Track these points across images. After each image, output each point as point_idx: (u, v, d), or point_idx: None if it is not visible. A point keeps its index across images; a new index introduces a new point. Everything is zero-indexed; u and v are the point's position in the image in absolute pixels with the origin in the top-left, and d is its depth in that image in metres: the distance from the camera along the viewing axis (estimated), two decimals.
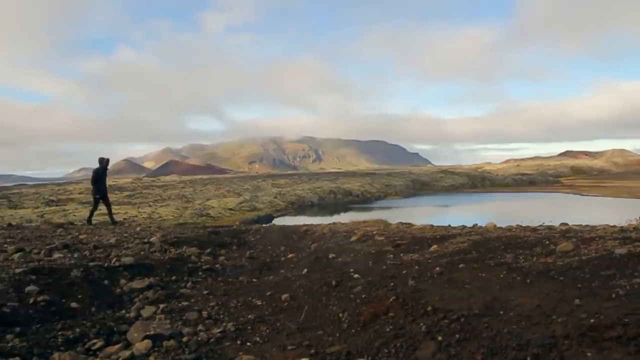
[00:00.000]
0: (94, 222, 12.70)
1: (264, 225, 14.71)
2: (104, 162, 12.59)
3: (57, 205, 31.55)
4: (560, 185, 58.45)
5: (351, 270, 4.92)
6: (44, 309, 3.85)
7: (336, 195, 46.65)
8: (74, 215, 25.31)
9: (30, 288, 4.15)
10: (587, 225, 6.99)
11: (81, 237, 8.32)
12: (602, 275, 3.44)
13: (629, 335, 2.28)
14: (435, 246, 5.85)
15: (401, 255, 5.68)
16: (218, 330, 3.55)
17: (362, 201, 45.38)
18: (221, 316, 3.99)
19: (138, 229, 10.66)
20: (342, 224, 11.33)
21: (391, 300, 3.47)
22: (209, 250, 7.40)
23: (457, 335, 2.68)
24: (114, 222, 12.65)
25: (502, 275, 3.89)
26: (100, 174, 12.41)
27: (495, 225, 8.01)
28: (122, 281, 5.02)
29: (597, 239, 4.85)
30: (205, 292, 4.88)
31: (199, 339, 3.39)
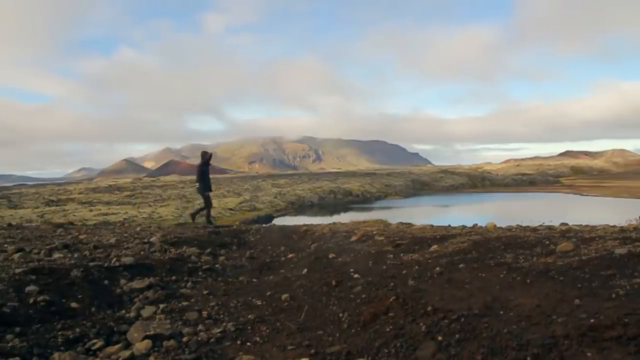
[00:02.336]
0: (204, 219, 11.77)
1: (264, 225, 14.70)
2: (206, 156, 11.89)
3: (57, 205, 31.54)
4: (560, 185, 58.39)
5: (351, 270, 4.92)
6: (44, 309, 3.85)
7: (336, 195, 46.63)
8: (74, 215, 25.29)
9: (30, 288, 4.15)
10: (587, 225, 6.98)
11: (81, 237, 8.33)
12: (602, 275, 3.44)
13: (629, 335, 2.28)
14: (435, 246, 5.85)
15: (401, 255, 5.68)
16: (218, 330, 3.55)
17: (362, 201, 45.35)
18: (221, 316, 3.99)
19: (138, 229, 10.66)
20: (342, 224, 11.32)
21: (391, 300, 3.47)
22: (209, 250, 7.40)
23: (457, 335, 2.69)
24: (209, 222, 11.84)
25: (502, 275, 3.89)
26: (204, 170, 11.74)
27: (495, 225, 8.01)
28: (122, 281, 5.02)
29: (597, 239, 4.85)
30: (205, 292, 4.88)
31: (199, 339, 3.39)
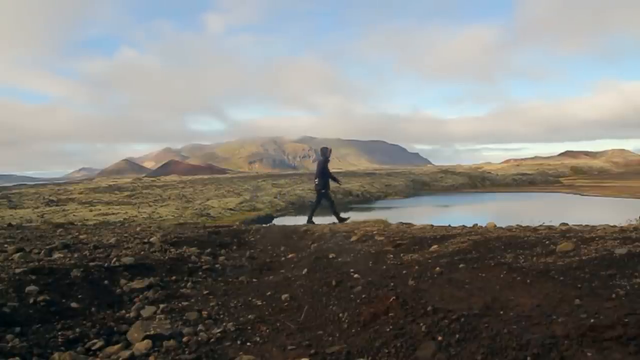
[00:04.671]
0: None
1: (264, 225, 14.69)
2: (327, 152, 11.34)
3: (57, 205, 31.54)
4: (560, 185, 58.31)
5: (351, 270, 4.92)
6: (44, 309, 3.85)
7: (336, 195, 46.57)
8: (74, 215, 25.29)
9: (30, 288, 4.16)
10: (587, 225, 6.98)
11: (81, 237, 8.33)
12: (602, 275, 3.44)
13: (629, 335, 2.28)
14: (435, 246, 5.85)
15: (401, 255, 5.68)
16: (218, 330, 3.55)
17: (362, 201, 45.32)
18: (221, 316, 3.99)
19: (138, 229, 10.67)
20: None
21: (391, 300, 3.47)
22: (209, 250, 7.40)
23: (457, 335, 2.69)
24: (339, 219, 11.18)
25: (502, 275, 3.89)
26: (326, 167, 11.22)
27: (495, 225, 8.00)
28: (122, 281, 5.02)
29: (597, 239, 4.85)
30: (205, 292, 4.88)
31: (199, 339, 3.39)
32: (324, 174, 11.03)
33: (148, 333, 3.37)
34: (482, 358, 2.40)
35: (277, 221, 27.18)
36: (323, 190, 11.06)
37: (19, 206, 30.66)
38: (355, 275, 4.62)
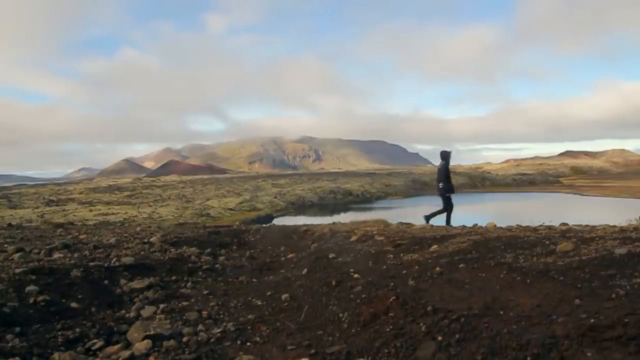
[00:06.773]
0: None
1: (264, 225, 14.69)
2: (449, 155, 11.07)
3: (57, 205, 31.55)
4: (560, 185, 58.33)
5: (351, 270, 4.92)
6: (44, 309, 3.85)
7: (336, 195, 46.64)
8: (74, 215, 25.30)
9: (30, 288, 4.16)
10: (587, 225, 6.97)
11: (81, 237, 8.33)
12: (602, 275, 3.44)
13: (629, 335, 2.28)
14: (435, 246, 5.85)
15: (401, 255, 5.68)
16: (218, 330, 3.55)
17: (362, 201, 45.34)
18: (221, 316, 3.99)
19: (138, 229, 10.67)
20: (342, 224, 11.32)
21: (391, 300, 3.47)
22: (209, 250, 7.40)
23: (457, 335, 2.69)
24: (449, 224, 10.68)
25: (502, 275, 3.88)
26: (448, 170, 10.98)
27: (495, 225, 8.00)
28: (122, 281, 5.03)
29: (597, 239, 4.85)
30: (205, 292, 4.88)
31: (199, 339, 3.39)
32: (447, 178, 10.99)
33: (148, 333, 3.37)
34: (482, 358, 2.40)
35: (277, 221, 27.17)
36: (447, 195, 11.01)
37: (19, 206, 30.67)
38: (355, 275, 4.62)
